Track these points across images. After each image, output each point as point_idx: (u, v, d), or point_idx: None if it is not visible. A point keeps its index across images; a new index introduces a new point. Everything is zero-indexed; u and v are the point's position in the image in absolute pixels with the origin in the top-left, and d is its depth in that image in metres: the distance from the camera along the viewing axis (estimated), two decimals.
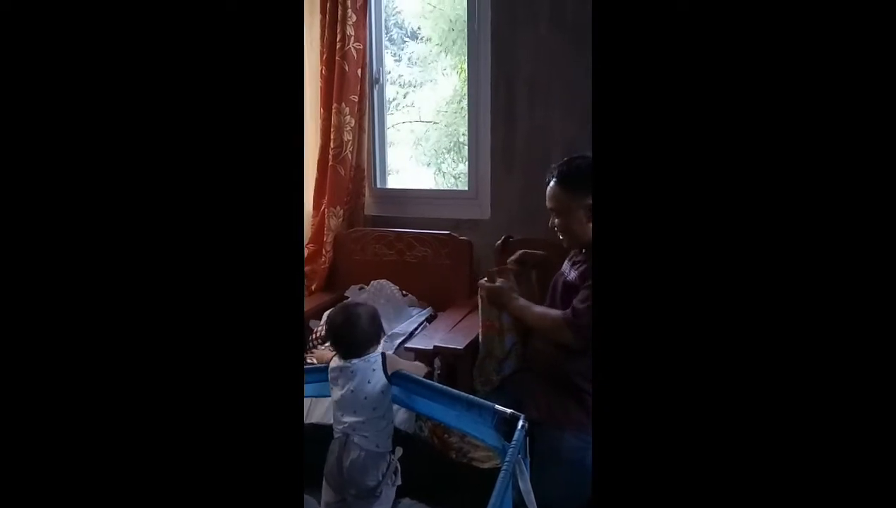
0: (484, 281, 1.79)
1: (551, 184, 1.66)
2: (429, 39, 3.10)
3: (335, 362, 1.61)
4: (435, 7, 3.04)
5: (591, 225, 1.61)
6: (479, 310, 1.80)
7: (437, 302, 2.44)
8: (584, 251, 1.71)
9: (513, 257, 1.88)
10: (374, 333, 1.63)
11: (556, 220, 1.68)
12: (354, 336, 1.59)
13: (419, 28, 3.09)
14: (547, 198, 1.68)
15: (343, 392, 1.56)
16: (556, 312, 1.63)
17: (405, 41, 3.10)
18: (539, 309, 1.69)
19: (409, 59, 3.14)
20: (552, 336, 1.64)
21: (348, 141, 2.58)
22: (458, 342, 1.91)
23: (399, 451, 1.61)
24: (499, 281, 1.76)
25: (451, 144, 3.16)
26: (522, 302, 1.72)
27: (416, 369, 1.74)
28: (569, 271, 1.74)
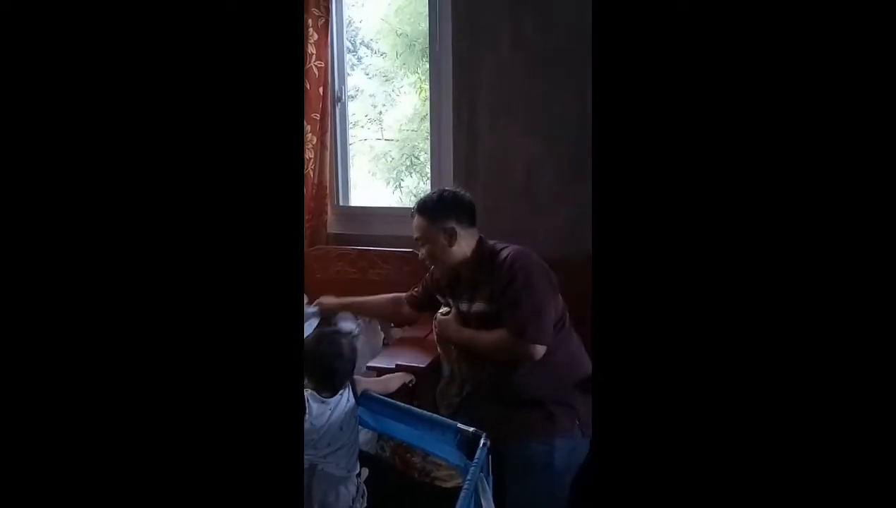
0: (439, 313, 1.85)
1: (414, 216, 1.79)
2: (384, 54, 3.12)
3: (316, 406, 1.52)
4: (392, 26, 3.06)
5: (452, 247, 1.74)
6: (437, 342, 1.87)
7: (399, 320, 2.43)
8: (460, 282, 1.80)
9: (440, 311, 1.92)
10: (354, 365, 1.61)
11: (424, 250, 1.80)
12: (341, 368, 1.55)
13: (376, 43, 3.11)
14: (413, 231, 1.81)
15: (320, 428, 1.51)
16: (501, 333, 1.65)
17: (361, 58, 3.11)
18: (485, 335, 1.71)
19: (368, 74, 3.15)
20: (507, 355, 1.66)
21: (310, 159, 2.57)
22: (420, 360, 1.91)
23: (365, 472, 1.60)
24: (450, 316, 1.82)
25: (411, 162, 3.18)
26: (469, 332, 1.76)
27: (390, 382, 1.75)
28: (461, 304, 1.80)
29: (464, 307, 1.78)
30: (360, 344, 2.10)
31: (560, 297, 1.74)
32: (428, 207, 1.77)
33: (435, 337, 1.86)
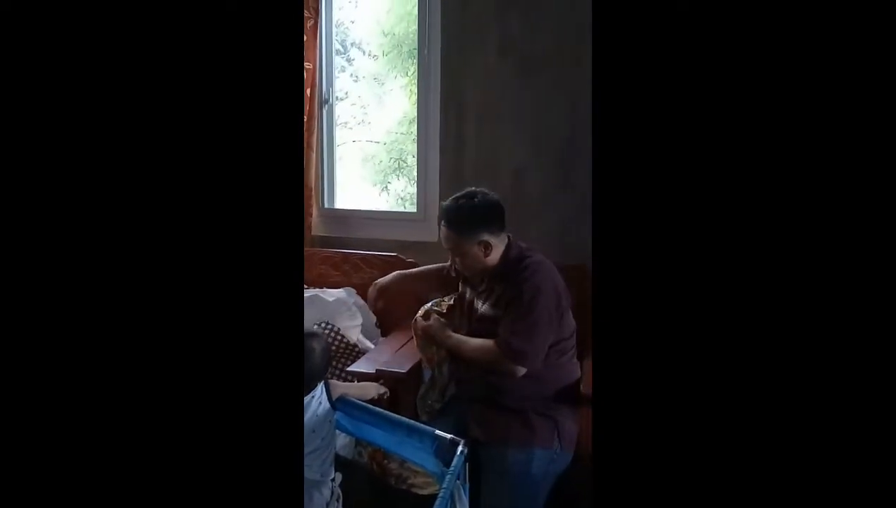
0: (419, 316, 1.83)
1: (443, 226, 1.72)
2: (375, 56, 3.11)
3: None
4: (384, 28, 3.05)
5: (487, 258, 1.69)
6: (417, 346, 1.84)
7: (382, 324, 2.42)
8: (484, 280, 1.76)
9: (420, 314, 1.87)
10: (325, 367, 1.59)
11: (457, 261, 1.73)
12: (312, 369, 1.53)
13: (367, 45, 3.10)
14: (442, 240, 1.74)
15: None
16: (488, 343, 1.65)
17: (352, 60, 3.10)
18: (474, 342, 1.71)
19: (358, 76, 3.14)
20: (490, 366, 1.66)
21: None
22: (401, 366, 1.89)
23: (339, 477, 1.58)
24: (432, 319, 1.80)
25: (399, 166, 3.17)
26: (456, 337, 1.75)
27: (367, 389, 1.72)
28: (475, 300, 1.79)
29: (477, 304, 1.76)
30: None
31: (570, 317, 1.72)
32: (460, 221, 1.68)
33: (415, 339, 1.84)
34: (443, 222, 1.71)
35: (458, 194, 1.73)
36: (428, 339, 1.80)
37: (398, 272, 2.04)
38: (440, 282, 1.98)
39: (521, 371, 1.61)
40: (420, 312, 1.84)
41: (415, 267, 2.44)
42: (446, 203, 1.73)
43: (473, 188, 1.74)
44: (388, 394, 1.74)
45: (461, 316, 1.85)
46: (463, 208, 1.69)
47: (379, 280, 2.02)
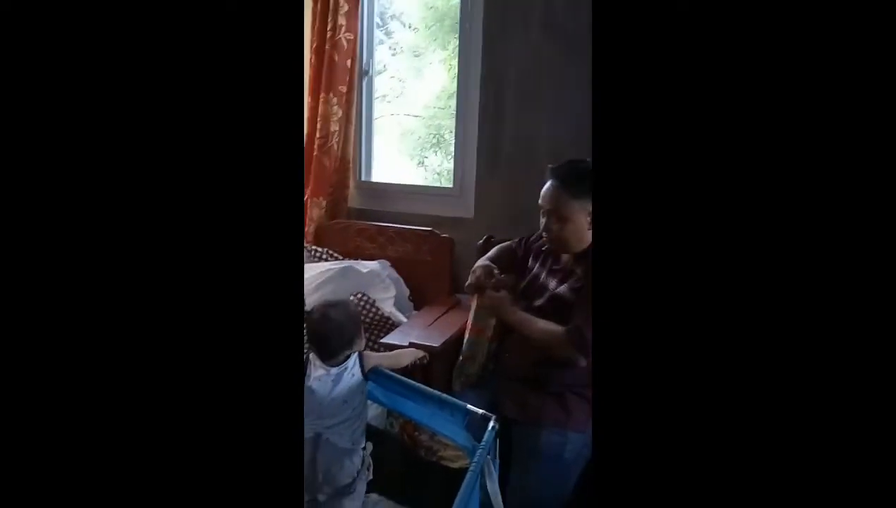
0: (491, 284, 1.76)
1: (550, 185, 1.60)
2: (415, 29, 3.09)
3: (316, 370, 1.56)
4: (430, 6, 3.02)
5: (589, 231, 1.59)
6: (472, 315, 1.80)
7: (416, 298, 2.44)
8: (560, 258, 1.72)
9: (491, 282, 1.79)
10: (353, 336, 1.60)
11: (553, 226, 1.62)
12: (335, 338, 1.56)
13: (408, 17, 3.08)
14: (544, 200, 1.62)
15: (322, 399, 1.53)
16: (557, 328, 1.60)
17: (391, 33, 3.09)
18: (541, 324, 1.66)
19: (397, 49, 3.12)
20: (553, 351, 1.62)
21: (335, 131, 2.57)
22: (434, 339, 1.91)
23: (370, 446, 1.61)
24: (502, 292, 1.76)
25: (437, 141, 3.16)
26: (522, 314, 1.71)
27: (401, 357, 1.75)
28: (545, 277, 1.75)
29: (549, 282, 1.72)
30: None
31: None
32: (575, 181, 1.54)
33: (476, 307, 1.78)
34: (552, 181, 1.58)
35: (568, 159, 1.62)
36: (490, 310, 1.75)
37: (486, 259, 1.91)
38: (508, 262, 1.91)
39: (584, 362, 1.56)
40: (491, 281, 1.76)
41: (450, 243, 2.46)
42: (556, 164, 1.62)
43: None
44: (427, 359, 1.74)
45: (525, 293, 1.79)
46: (581, 170, 1.55)
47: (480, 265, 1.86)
